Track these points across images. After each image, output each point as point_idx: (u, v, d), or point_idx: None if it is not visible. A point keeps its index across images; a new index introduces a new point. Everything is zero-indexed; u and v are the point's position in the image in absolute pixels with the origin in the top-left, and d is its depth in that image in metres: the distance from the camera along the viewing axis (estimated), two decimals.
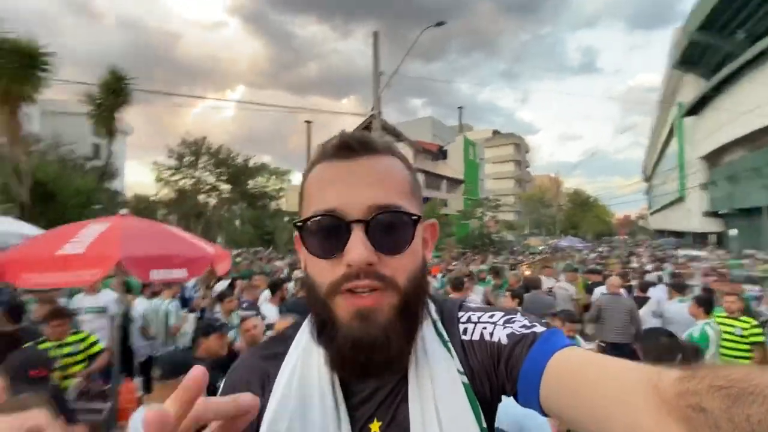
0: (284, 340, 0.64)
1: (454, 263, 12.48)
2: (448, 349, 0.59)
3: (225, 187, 22.65)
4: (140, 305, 4.81)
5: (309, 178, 0.59)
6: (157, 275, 2.81)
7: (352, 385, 0.58)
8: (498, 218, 26.05)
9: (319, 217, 0.53)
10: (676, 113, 37.51)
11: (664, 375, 0.40)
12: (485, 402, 0.58)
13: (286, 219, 23.21)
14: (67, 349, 3.20)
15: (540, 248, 25.64)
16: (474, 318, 0.62)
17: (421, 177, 27.03)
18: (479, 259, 14.36)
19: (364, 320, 0.52)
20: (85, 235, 2.77)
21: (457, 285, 5.05)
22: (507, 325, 0.59)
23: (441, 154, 32.34)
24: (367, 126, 15.83)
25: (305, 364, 0.59)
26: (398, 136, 25.34)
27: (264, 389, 0.59)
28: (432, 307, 0.64)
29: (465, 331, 0.61)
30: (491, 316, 0.61)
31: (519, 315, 0.61)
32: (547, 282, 7.98)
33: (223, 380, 0.65)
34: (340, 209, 0.52)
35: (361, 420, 0.56)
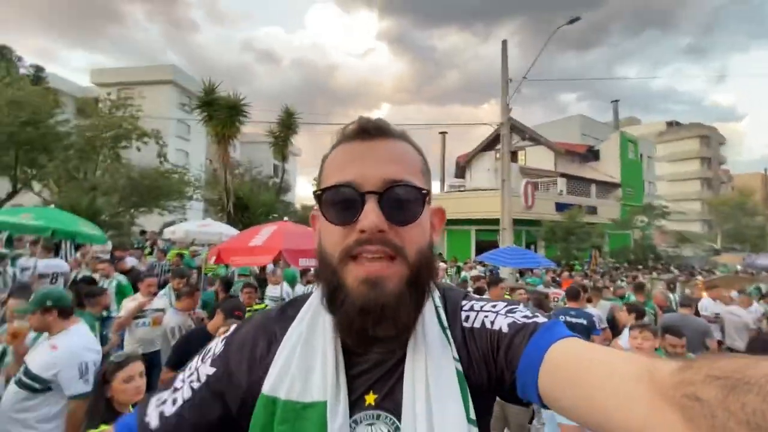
0: (297, 305, 0.68)
1: (596, 276, 11.26)
2: (446, 336, 0.60)
3: None
4: (299, 291, 6.34)
5: (329, 159, 0.63)
6: (303, 263, 4.03)
7: (354, 358, 0.60)
8: (666, 228, 21.64)
9: (337, 188, 0.58)
10: None
11: (662, 366, 0.41)
12: (481, 391, 0.58)
13: None
14: (250, 313, 4.69)
15: (738, 267, 20.25)
16: (477, 307, 0.64)
17: (563, 182, 24.85)
18: (631, 275, 12.48)
19: (372, 286, 0.54)
20: (263, 233, 4.27)
21: (573, 295, 4.91)
22: (509, 314, 0.60)
23: (591, 155, 28.82)
24: (498, 135, 15.65)
25: (311, 331, 0.62)
26: (535, 140, 23.82)
27: (269, 349, 0.63)
28: (436, 294, 0.66)
29: (467, 318, 0.63)
30: (494, 306, 0.63)
31: (521, 306, 0.63)
32: (713, 306, 6.72)
33: (230, 332, 0.69)
34: (356, 181, 0.56)
35: (359, 390, 0.59)
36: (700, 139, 54.28)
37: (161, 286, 5.14)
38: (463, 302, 0.66)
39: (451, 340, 0.60)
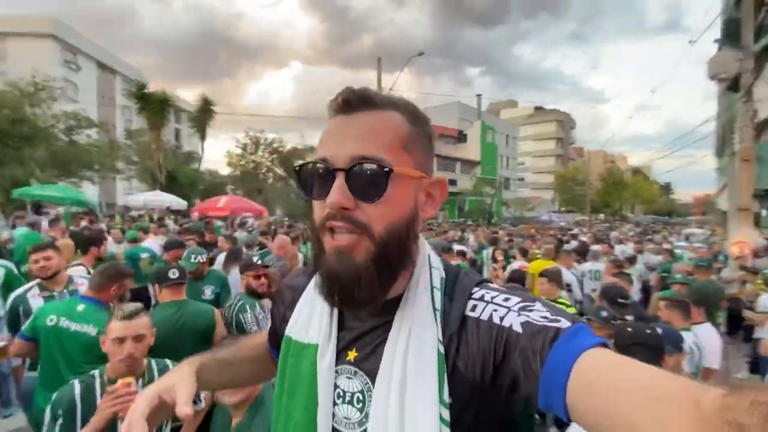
0: None
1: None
2: (435, 317, 0.61)
3: (278, 169, 28.98)
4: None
5: (322, 133, 0.66)
6: (245, 214, 8.67)
7: (346, 318, 0.68)
8: (490, 194, 29.44)
9: (311, 165, 0.62)
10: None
11: (708, 390, 0.40)
12: (475, 386, 0.57)
13: None
14: None
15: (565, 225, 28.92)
16: (487, 297, 0.62)
17: (435, 160, 31.08)
18: (457, 229, 18.74)
19: (339, 257, 0.59)
20: (222, 200, 9.00)
21: None
22: (523, 312, 0.57)
23: (462, 137, 36.08)
24: None
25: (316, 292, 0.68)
26: None
27: (295, 298, 0.76)
28: (437, 274, 0.66)
29: (474, 307, 0.62)
30: (506, 300, 0.61)
31: (539, 304, 0.59)
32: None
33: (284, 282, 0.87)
34: (329, 158, 0.60)
35: (343, 342, 0.67)
36: (557, 122, 67.17)
37: None
38: (475, 289, 0.65)
39: (439, 322, 0.61)
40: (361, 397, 0.63)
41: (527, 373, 0.53)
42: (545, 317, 0.56)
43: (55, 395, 1.53)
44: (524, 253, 7.52)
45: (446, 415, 0.56)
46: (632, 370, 0.47)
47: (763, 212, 27.04)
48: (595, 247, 8.54)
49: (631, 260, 7.47)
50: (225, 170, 28.92)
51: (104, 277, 2.52)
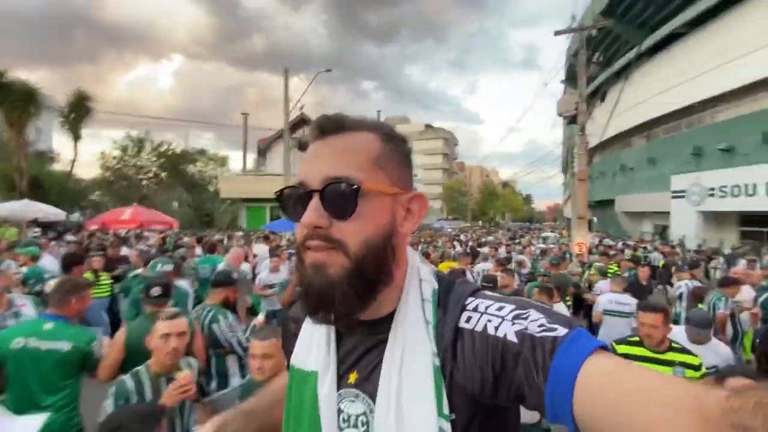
0: None
1: None
2: (428, 331, 0.62)
3: (164, 174, 26.12)
4: None
5: (302, 159, 0.68)
6: (149, 225, 8.09)
7: (344, 339, 0.69)
8: None
9: (289, 189, 0.65)
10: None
11: (712, 393, 0.41)
12: (476, 398, 0.58)
13: (227, 203, 26.29)
14: None
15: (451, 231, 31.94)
16: (482, 307, 0.62)
17: None
18: None
19: (316, 271, 0.61)
20: (127, 212, 8.16)
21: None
22: (516, 321, 0.57)
23: None
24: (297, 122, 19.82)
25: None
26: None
27: (299, 327, 0.77)
28: (428, 286, 0.67)
29: (468, 319, 0.61)
30: (500, 309, 0.60)
31: (533, 311, 0.58)
32: None
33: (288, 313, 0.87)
34: (305, 181, 0.63)
35: (344, 366, 0.67)
36: (443, 140, 74.43)
37: None
38: (469, 299, 0.65)
39: (432, 335, 0.61)
40: (364, 420, 0.63)
41: (531, 385, 0.53)
42: (542, 325, 0.55)
43: (113, 389, 1.78)
44: (427, 256, 8.77)
45: (447, 427, 0.57)
46: (635, 375, 0.48)
47: (594, 219, 35.43)
48: (484, 250, 10.35)
49: (509, 260, 9.30)
50: (85, 173, 24.95)
51: (62, 292, 2.56)
